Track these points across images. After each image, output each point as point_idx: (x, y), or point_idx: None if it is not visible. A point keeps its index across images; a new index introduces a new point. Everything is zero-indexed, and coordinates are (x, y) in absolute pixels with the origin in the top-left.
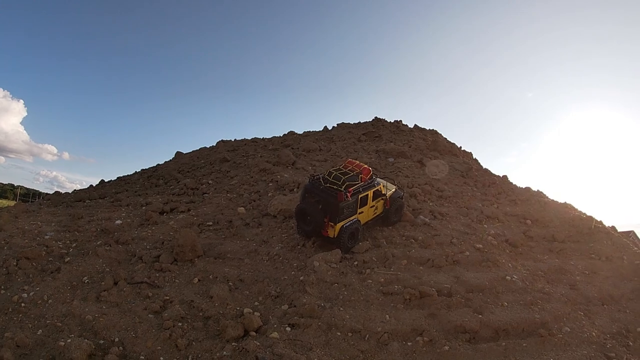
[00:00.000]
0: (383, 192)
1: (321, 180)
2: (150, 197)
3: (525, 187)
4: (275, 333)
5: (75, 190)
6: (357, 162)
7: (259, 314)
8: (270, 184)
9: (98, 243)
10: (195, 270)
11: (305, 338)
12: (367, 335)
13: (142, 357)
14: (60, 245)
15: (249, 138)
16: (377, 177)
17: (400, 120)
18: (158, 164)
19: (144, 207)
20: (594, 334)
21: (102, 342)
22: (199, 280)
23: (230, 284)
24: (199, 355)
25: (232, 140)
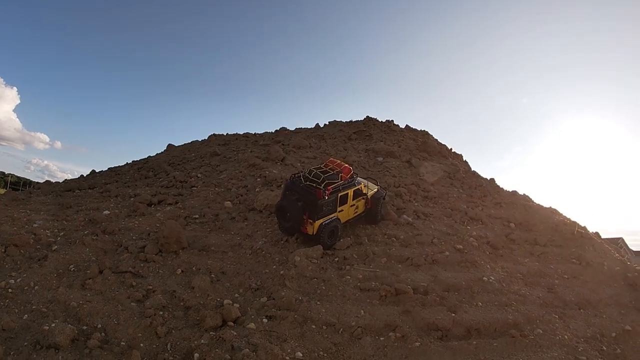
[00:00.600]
0: (364, 192)
1: (302, 178)
2: (139, 188)
3: (512, 191)
4: (252, 324)
5: (65, 179)
6: (339, 161)
7: (238, 306)
8: (259, 179)
9: (85, 232)
10: (179, 261)
11: (281, 330)
12: (341, 329)
13: (122, 343)
14: (49, 234)
15: (241, 133)
16: (357, 176)
17: (392, 120)
18: (149, 156)
19: (132, 199)
20: (566, 337)
21: (85, 327)
22: (182, 271)
23: (213, 275)
24: (178, 343)
25: (225, 134)
